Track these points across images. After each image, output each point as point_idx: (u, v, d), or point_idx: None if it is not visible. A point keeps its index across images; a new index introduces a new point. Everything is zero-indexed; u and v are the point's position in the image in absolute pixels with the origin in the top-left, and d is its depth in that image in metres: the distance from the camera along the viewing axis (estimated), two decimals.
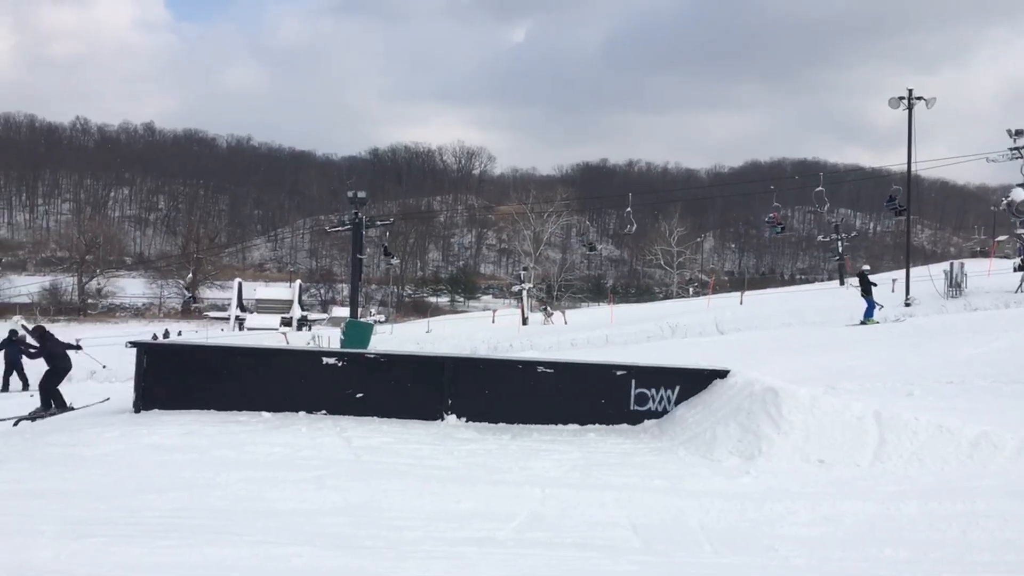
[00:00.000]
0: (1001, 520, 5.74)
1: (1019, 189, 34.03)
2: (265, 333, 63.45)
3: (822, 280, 79.52)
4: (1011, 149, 35.06)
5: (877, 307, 23.58)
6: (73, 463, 6.89)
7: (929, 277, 34.57)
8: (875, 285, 24.66)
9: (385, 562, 4.69)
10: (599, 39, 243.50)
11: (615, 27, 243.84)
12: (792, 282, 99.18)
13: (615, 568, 4.69)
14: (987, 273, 37.29)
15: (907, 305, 31.42)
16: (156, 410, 9.29)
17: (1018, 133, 34.87)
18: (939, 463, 7.27)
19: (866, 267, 26.91)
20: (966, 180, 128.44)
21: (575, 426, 9.53)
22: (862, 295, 24.32)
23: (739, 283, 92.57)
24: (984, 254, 50.90)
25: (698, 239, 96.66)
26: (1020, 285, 32.14)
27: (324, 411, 9.44)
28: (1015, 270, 35.14)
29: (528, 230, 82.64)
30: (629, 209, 46.59)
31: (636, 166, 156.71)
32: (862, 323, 22.77)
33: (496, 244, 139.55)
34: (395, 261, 62.99)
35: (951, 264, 36.45)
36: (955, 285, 33.66)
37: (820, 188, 41.11)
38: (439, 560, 4.77)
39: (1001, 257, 42.75)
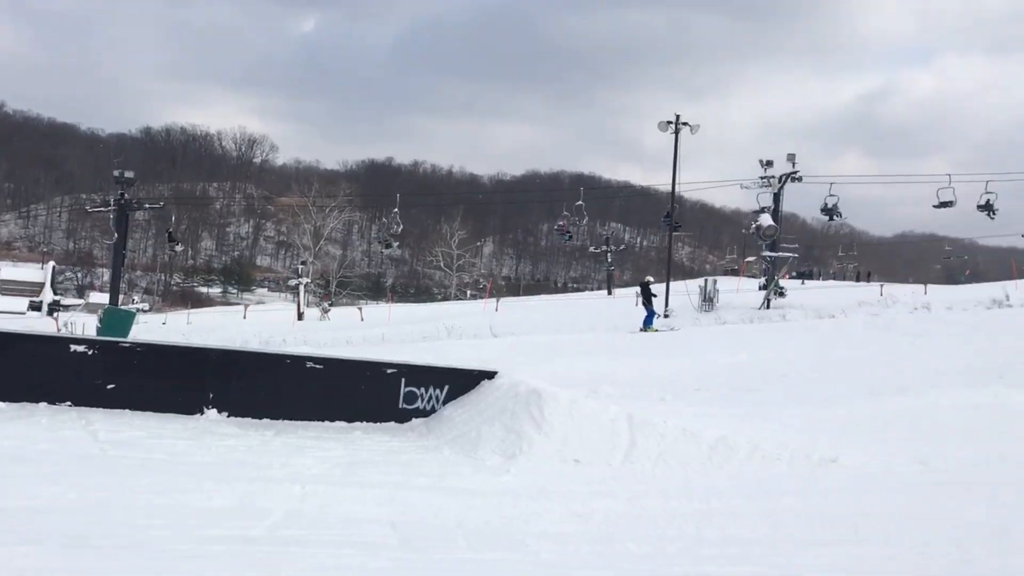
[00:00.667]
0: (731, 517, 6.25)
1: (766, 215, 37.24)
2: (11, 317, 57.94)
3: (593, 288, 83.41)
4: (761, 177, 38.33)
5: (656, 316, 24.75)
6: None
7: (686, 292, 37.15)
8: (655, 296, 25.87)
9: (121, 561, 4.41)
10: (389, 38, 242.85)
11: (406, 28, 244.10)
12: (565, 289, 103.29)
13: (370, 565, 4.66)
14: (736, 290, 40.52)
15: (666, 316, 33.52)
16: None
17: (768, 163, 38.17)
18: (682, 464, 7.80)
19: (649, 278, 28.07)
20: (723, 203, 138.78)
21: (343, 423, 9.41)
22: (643, 304, 25.47)
23: (515, 288, 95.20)
24: (735, 272, 55.29)
25: (478, 243, 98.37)
26: (763, 302, 35.16)
27: (69, 403, 8.75)
28: (760, 288, 38.43)
29: (309, 224, 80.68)
30: (396, 210, 46.96)
31: (421, 167, 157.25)
32: (642, 330, 23.87)
33: (275, 236, 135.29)
34: (179, 248, 59.55)
35: (705, 280, 39.29)
36: (708, 300, 36.28)
37: (580, 203, 43.38)
38: (184, 560, 4.54)
39: (749, 276, 46.59)
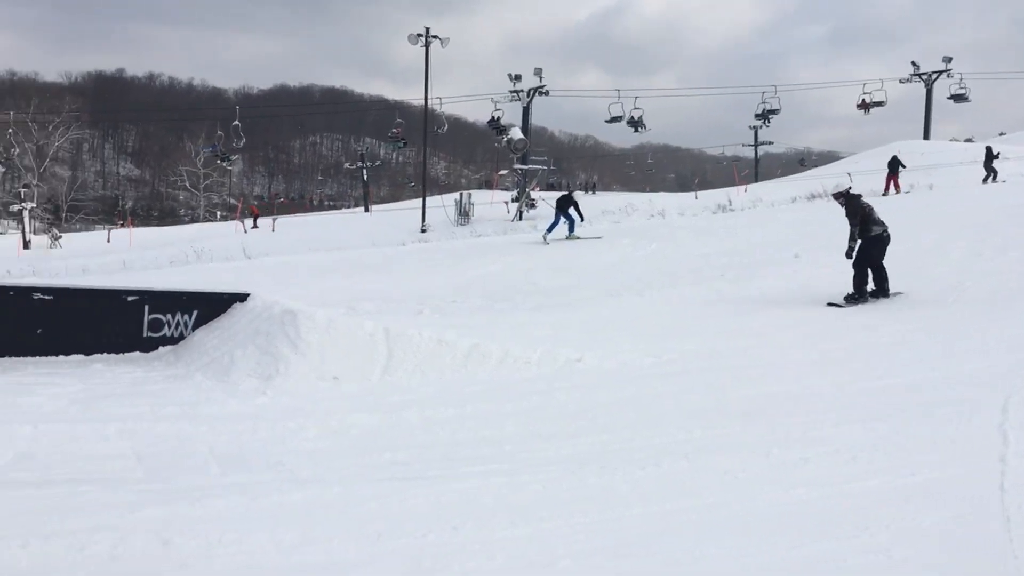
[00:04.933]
0: (483, 420, 6.54)
1: (516, 129, 38.18)
2: None
3: (349, 206, 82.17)
4: (511, 91, 39.06)
5: (579, 223, 23.25)
6: None
7: (443, 206, 37.58)
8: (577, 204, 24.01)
9: None
10: None
11: None
12: (321, 207, 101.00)
13: (112, 499, 4.47)
14: (490, 203, 41.51)
15: (423, 231, 33.84)
16: None
17: (516, 78, 38.93)
18: (438, 373, 8.02)
19: (573, 189, 26.98)
20: (476, 118, 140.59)
21: (80, 356, 8.84)
22: (561, 212, 23.55)
23: (268, 208, 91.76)
24: (489, 185, 56.49)
25: (222, 162, 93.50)
26: (515, 215, 36.28)
27: None
28: (512, 201, 39.54)
29: (30, 143, 73.08)
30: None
31: (158, 80, 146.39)
32: (568, 238, 22.63)
33: None
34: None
35: (461, 194, 39.94)
36: (464, 214, 36.99)
37: (236, 123, 43.36)
38: None
39: (502, 189, 47.80)
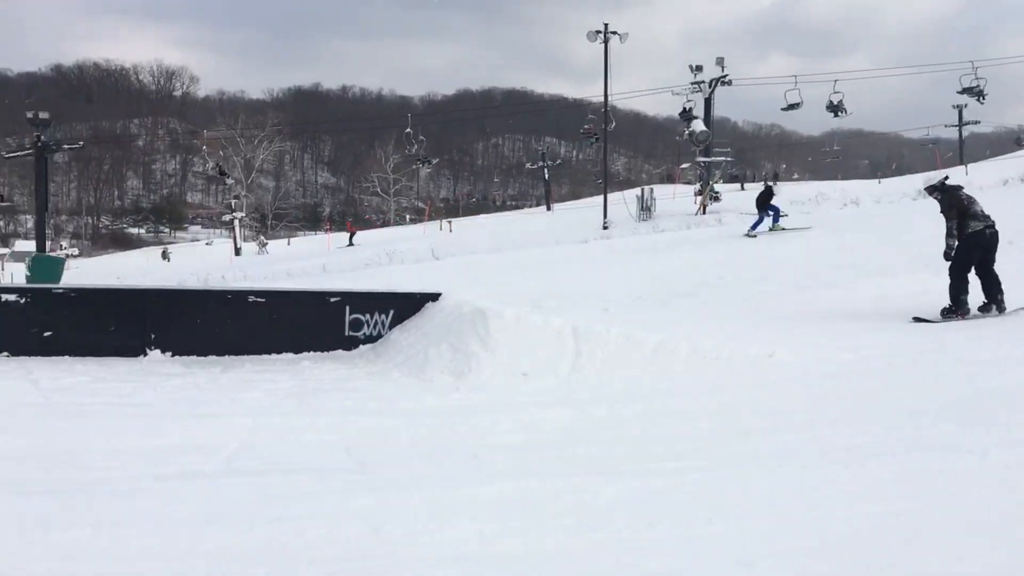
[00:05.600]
0: (673, 416, 6.49)
1: (698, 121, 37.44)
2: None
3: (531, 205, 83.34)
4: (692, 83, 38.32)
5: (783, 216, 22.93)
6: None
7: (624, 202, 37.43)
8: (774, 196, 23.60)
9: (81, 503, 4.44)
10: None
11: None
12: (504, 208, 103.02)
13: (326, 488, 4.77)
14: (672, 197, 40.96)
15: (605, 228, 33.83)
16: None
17: (697, 68, 38.16)
18: (626, 370, 8.01)
19: (771, 182, 26.41)
20: (656, 112, 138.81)
21: (290, 355, 9.43)
22: (762, 209, 23.08)
23: (454, 210, 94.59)
24: (671, 179, 55.73)
25: (414, 166, 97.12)
26: (699, 208, 35.60)
27: (6, 353, 8.62)
28: (696, 194, 38.83)
29: (239, 157, 78.81)
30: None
31: (350, 92, 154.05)
32: (771, 230, 22.21)
33: (204, 171, 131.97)
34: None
35: (642, 190, 39.64)
36: (646, 209, 36.68)
37: (408, 130, 44.01)
38: (144, 496, 4.59)
39: (684, 183, 47.07)
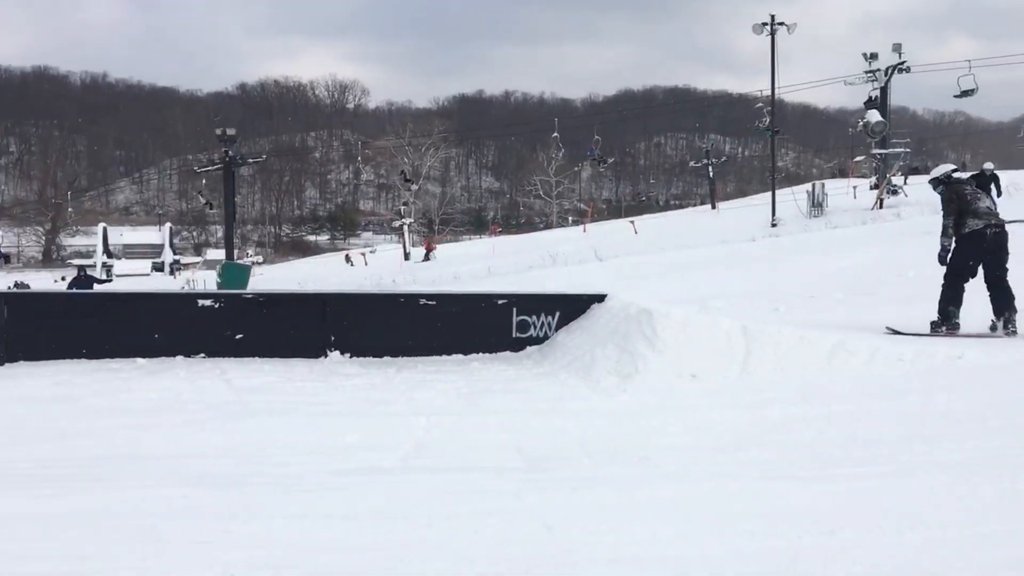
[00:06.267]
0: (853, 419, 6.21)
1: (874, 111, 35.66)
2: (137, 279, 61.06)
3: (695, 204, 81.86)
4: (866, 72, 36.56)
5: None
6: None
7: (793, 198, 36.13)
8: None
9: (273, 497, 4.73)
10: None
11: None
12: (667, 207, 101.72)
13: (499, 487, 4.86)
14: (846, 192, 39.18)
15: (773, 226, 32.80)
16: (23, 361, 8.90)
17: (872, 56, 36.36)
18: (799, 371, 7.73)
19: (987, 164, 24.83)
20: (826, 103, 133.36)
21: (459, 356, 9.66)
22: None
23: (617, 211, 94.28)
24: (843, 174, 53.36)
25: (576, 168, 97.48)
26: (875, 203, 33.90)
27: (203, 354, 9.26)
28: (871, 188, 37.00)
29: (407, 164, 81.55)
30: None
31: (512, 96, 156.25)
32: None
33: (375, 179, 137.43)
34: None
35: (813, 185, 38.12)
36: (817, 205, 35.27)
37: (555, 135, 42.91)
38: (328, 491, 4.84)
39: (859, 176, 44.90)
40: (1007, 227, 9.22)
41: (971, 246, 9.10)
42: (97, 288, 23.83)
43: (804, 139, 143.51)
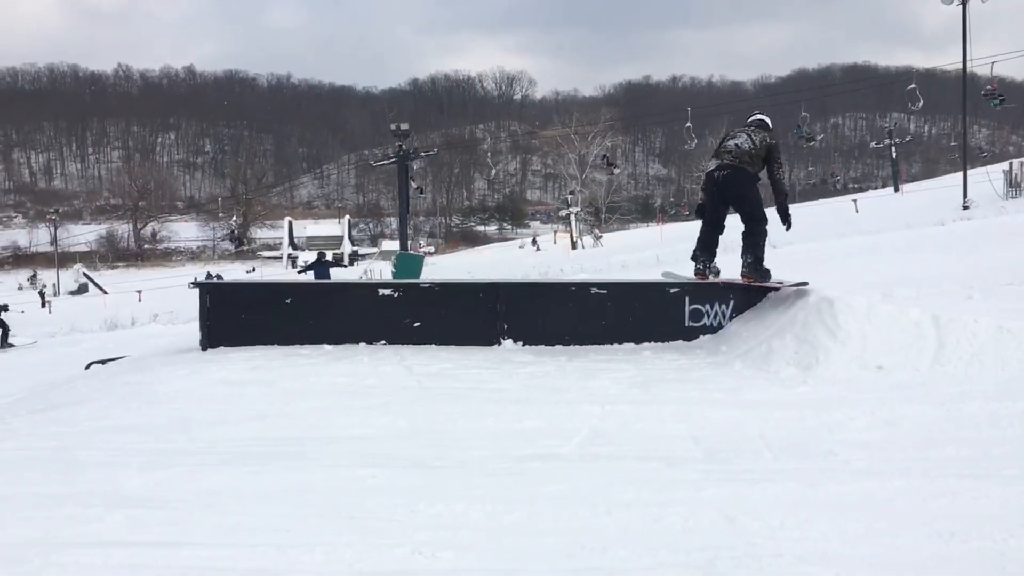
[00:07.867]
0: None
1: None
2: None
3: (876, 188, 77.79)
4: None
5: None
6: (150, 399, 7.19)
7: (988, 179, 33.68)
8: None
9: (456, 479, 4.88)
10: None
11: None
12: (846, 191, 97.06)
13: (678, 476, 4.82)
14: None
15: (965, 208, 30.76)
16: (222, 347, 9.55)
17: None
18: (1000, 364, 7.22)
19: None
20: None
21: (630, 345, 9.60)
22: None
23: (792, 194, 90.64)
24: None
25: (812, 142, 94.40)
26: None
27: (384, 341, 9.65)
28: None
29: (573, 153, 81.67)
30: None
31: (680, 82, 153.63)
32: None
33: (541, 170, 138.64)
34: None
35: (1010, 164, 35.44)
36: (1015, 186, 32.81)
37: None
38: (507, 476, 4.94)
39: None
40: None
41: (704, 186, 9.77)
42: (332, 273, 25.36)
43: (1000, 115, 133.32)
